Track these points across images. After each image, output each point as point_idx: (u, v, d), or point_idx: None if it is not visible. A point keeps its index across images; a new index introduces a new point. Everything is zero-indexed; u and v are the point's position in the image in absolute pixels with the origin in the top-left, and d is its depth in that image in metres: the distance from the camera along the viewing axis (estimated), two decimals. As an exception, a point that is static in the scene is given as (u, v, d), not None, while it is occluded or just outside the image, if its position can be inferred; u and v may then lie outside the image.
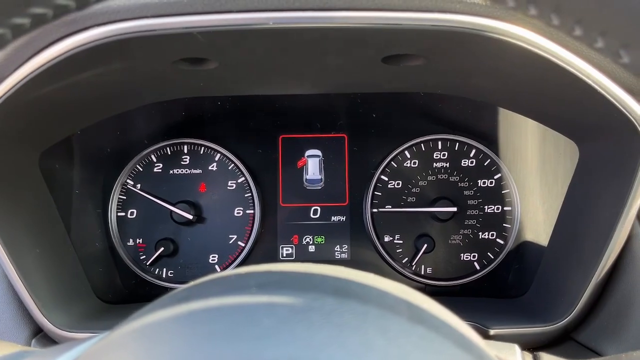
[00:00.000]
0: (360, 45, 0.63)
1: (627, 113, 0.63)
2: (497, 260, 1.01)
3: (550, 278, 0.86)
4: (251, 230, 1.02)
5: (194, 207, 1.01)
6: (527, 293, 0.91)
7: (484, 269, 1.01)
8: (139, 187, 1.02)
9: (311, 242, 1.04)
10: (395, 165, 1.03)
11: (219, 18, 0.56)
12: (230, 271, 0.45)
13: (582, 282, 0.75)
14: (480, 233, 1.01)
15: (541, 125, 0.87)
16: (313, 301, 0.39)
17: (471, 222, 1.02)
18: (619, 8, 0.32)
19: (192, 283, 0.44)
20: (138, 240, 1.02)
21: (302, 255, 1.03)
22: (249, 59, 0.68)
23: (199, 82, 0.78)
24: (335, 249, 1.04)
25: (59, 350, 0.47)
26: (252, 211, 1.02)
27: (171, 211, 1.00)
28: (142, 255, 1.02)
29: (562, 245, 0.83)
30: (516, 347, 0.61)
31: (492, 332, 0.78)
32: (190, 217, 0.99)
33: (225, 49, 0.64)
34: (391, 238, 1.02)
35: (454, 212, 1.00)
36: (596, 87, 0.61)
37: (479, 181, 1.02)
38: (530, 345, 0.80)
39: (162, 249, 1.00)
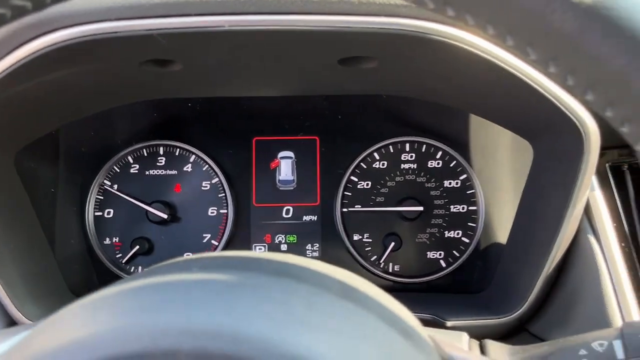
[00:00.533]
0: (315, 47, 0.67)
1: (568, 113, 0.67)
2: (462, 258, 1.04)
3: (507, 273, 0.89)
4: (224, 230, 1.05)
5: (169, 206, 1.04)
6: (487, 288, 0.95)
7: (449, 267, 1.04)
8: (115, 188, 1.05)
9: (283, 241, 1.07)
10: (365, 167, 1.06)
11: (177, 21, 0.60)
12: (182, 257, 0.48)
13: (533, 276, 0.78)
14: (446, 232, 1.05)
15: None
16: (248, 279, 0.42)
17: (438, 221, 1.05)
18: (541, 25, 0.34)
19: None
20: (114, 239, 1.05)
21: (275, 254, 1.06)
22: (212, 60, 0.72)
23: (168, 84, 0.81)
24: (307, 248, 1.07)
25: (12, 332, 0.50)
26: (225, 211, 1.05)
27: (147, 211, 1.03)
28: (118, 254, 1.05)
29: (518, 242, 0.87)
30: (464, 335, 0.64)
31: (449, 324, 0.82)
32: (165, 216, 1.03)
33: (187, 50, 0.67)
34: (360, 237, 1.06)
35: (420, 211, 1.03)
36: (537, 87, 0.65)
37: (445, 182, 1.05)
38: (487, 336, 0.82)
39: (137, 247, 1.03)
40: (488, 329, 0.82)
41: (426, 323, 0.81)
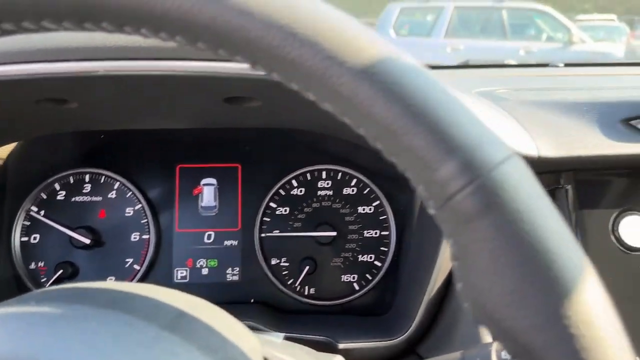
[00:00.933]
0: (195, 89, 0.72)
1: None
2: (374, 281, 1.08)
3: (404, 296, 0.93)
4: (146, 254, 1.09)
5: (93, 232, 1.08)
6: (389, 310, 0.99)
7: (362, 289, 1.09)
8: (42, 214, 1.09)
9: (205, 265, 1.11)
10: (283, 193, 1.11)
11: (53, 67, 0.65)
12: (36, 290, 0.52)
13: (419, 299, 0.83)
14: (360, 256, 1.09)
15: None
16: (73, 311, 0.46)
17: (351, 245, 1.10)
18: (326, 86, 0.39)
19: None
20: (40, 264, 1.09)
21: (196, 278, 1.10)
22: (105, 98, 0.77)
23: (74, 118, 0.86)
24: (227, 272, 1.11)
25: None
26: (147, 236, 1.09)
27: (71, 236, 1.07)
28: (43, 278, 1.08)
29: (411, 266, 0.92)
30: (336, 357, 0.68)
31: (341, 346, 0.86)
32: (88, 241, 1.07)
33: (75, 91, 0.72)
34: (278, 261, 1.10)
35: (333, 236, 1.08)
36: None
37: (359, 208, 1.10)
38: (377, 358, 0.87)
39: (61, 271, 1.06)
40: (380, 350, 0.86)
41: (320, 345, 0.85)
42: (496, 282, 0.35)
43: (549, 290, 0.33)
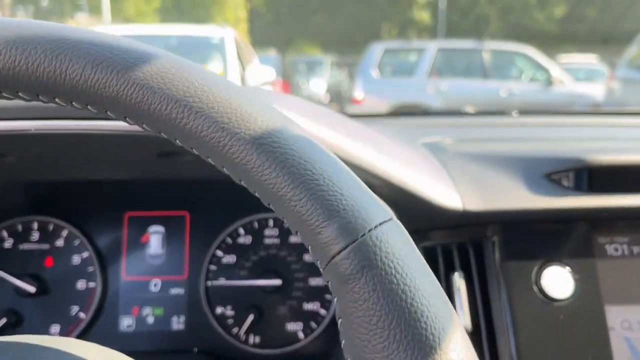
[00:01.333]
0: (127, 145, 0.75)
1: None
2: (318, 330, 1.09)
3: (340, 345, 0.95)
4: (92, 303, 1.09)
5: (39, 280, 1.09)
6: (330, 359, 1.00)
7: (306, 338, 1.09)
8: (-11, 262, 1.09)
9: (150, 314, 1.11)
10: (230, 242, 1.13)
11: (-15, 125, 0.67)
12: None
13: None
14: (305, 304, 1.11)
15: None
16: None
17: (297, 293, 1.11)
18: (223, 154, 0.42)
19: None
20: (-16, 312, 1.08)
21: (142, 327, 1.11)
22: (39, 153, 0.79)
23: (15, 171, 0.88)
24: (172, 320, 1.11)
25: None
26: (94, 284, 1.10)
27: (16, 284, 1.07)
28: (-14, 327, 1.08)
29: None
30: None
31: (273, 397, 0.86)
32: (33, 290, 1.07)
33: (11, 147, 0.75)
34: (224, 309, 1.11)
35: (278, 285, 1.09)
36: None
37: (305, 256, 1.12)
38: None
39: (4, 319, 1.06)
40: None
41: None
42: (370, 340, 0.37)
43: (415, 347, 0.36)
